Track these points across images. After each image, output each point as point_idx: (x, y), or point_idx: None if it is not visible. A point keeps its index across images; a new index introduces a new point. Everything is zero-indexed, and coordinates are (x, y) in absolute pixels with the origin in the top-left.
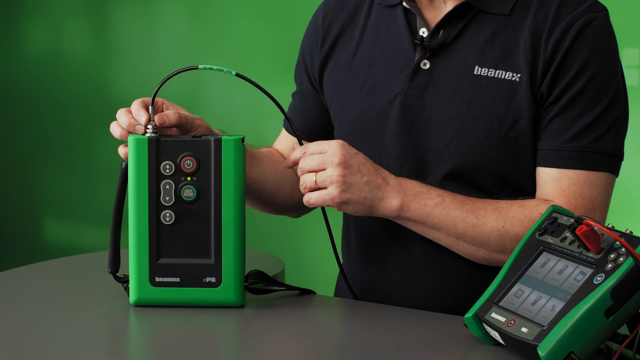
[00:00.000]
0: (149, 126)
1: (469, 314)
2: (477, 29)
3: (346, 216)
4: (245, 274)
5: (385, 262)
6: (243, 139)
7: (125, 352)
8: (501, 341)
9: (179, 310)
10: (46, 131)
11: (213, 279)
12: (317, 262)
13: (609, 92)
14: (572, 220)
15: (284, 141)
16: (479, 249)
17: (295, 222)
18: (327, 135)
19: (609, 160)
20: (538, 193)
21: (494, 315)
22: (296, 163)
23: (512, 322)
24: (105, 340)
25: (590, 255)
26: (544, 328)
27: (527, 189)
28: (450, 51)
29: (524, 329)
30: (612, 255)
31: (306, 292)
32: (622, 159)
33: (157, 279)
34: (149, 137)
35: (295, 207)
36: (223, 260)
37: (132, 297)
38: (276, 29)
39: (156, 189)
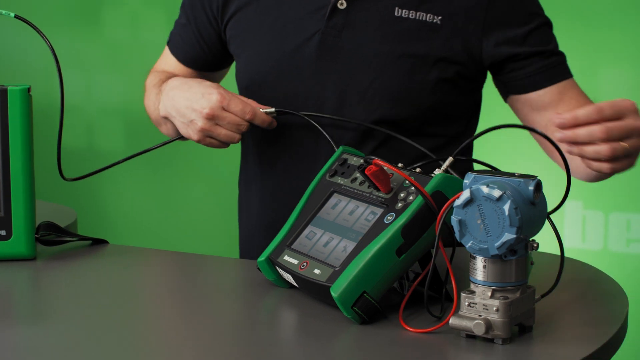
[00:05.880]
0: None
1: (261, 258)
2: None
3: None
4: (36, 225)
5: None
6: (29, 89)
7: None
8: (295, 284)
9: None
10: None
11: (3, 232)
12: (113, 211)
13: None
14: (362, 161)
15: (171, 64)
16: None
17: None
18: (215, 65)
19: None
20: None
21: (286, 258)
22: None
23: (305, 264)
24: None
25: (381, 195)
26: (337, 269)
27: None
28: None
29: (316, 271)
30: (402, 195)
31: (99, 242)
32: None
33: None
34: None
35: None
36: (13, 213)
37: None
38: None
39: None
